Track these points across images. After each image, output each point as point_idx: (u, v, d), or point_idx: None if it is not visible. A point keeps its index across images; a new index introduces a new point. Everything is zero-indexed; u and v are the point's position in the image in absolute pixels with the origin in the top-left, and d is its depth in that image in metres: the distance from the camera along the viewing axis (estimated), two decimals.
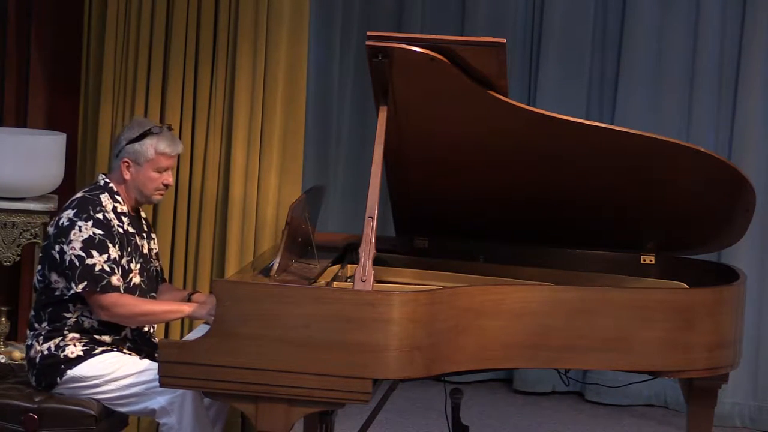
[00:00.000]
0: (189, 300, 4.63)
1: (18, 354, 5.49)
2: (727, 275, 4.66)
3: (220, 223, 5.42)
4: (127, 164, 4.50)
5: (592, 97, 6.77)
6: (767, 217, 6.39)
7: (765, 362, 6.43)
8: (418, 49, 4.16)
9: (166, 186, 4.56)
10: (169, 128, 4.62)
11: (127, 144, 4.50)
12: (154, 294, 4.62)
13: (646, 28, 6.57)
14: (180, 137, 5.42)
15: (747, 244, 6.02)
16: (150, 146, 4.49)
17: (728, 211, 4.67)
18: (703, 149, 4.51)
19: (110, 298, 4.35)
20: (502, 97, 4.31)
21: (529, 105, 4.78)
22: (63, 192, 5.61)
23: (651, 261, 4.90)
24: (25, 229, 5.48)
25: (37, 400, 4.39)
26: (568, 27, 6.69)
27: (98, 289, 4.33)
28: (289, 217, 4.26)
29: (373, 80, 4.26)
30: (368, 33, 4.19)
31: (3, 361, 5.42)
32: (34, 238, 5.47)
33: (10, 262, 5.53)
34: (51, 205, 5.50)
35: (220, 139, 5.41)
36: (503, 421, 6.28)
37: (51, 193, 5.59)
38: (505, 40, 4.16)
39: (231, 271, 5.29)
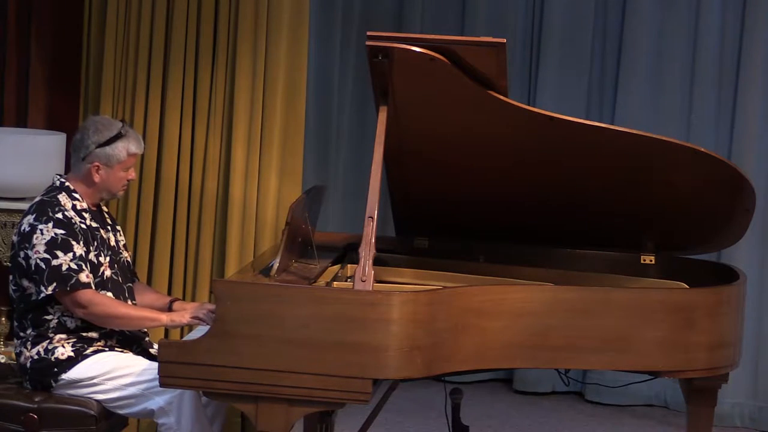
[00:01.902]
0: (170, 306, 4.63)
1: None
2: (727, 275, 4.66)
3: (220, 223, 5.42)
4: (97, 167, 4.48)
5: (592, 97, 6.76)
6: (767, 217, 6.39)
7: (765, 362, 6.43)
8: (418, 49, 4.16)
9: (130, 181, 4.57)
10: (130, 125, 4.59)
11: (97, 148, 4.47)
12: (130, 285, 4.62)
13: (646, 28, 6.57)
14: (180, 137, 5.44)
15: (747, 244, 6.02)
16: (122, 149, 4.47)
17: (728, 211, 4.67)
18: (703, 149, 4.51)
19: (85, 295, 4.35)
20: (502, 97, 4.31)
21: (529, 105, 4.77)
22: None
23: (651, 261, 4.89)
24: None
25: (37, 400, 4.39)
26: (568, 27, 6.69)
27: (68, 288, 4.33)
28: (289, 217, 4.26)
29: (373, 80, 4.26)
30: (368, 33, 4.20)
31: (3, 361, 5.42)
32: None
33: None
34: None
35: (220, 139, 5.41)
36: (503, 421, 6.28)
37: None
38: (505, 40, 4.16)
39: (231, 271, 5.29)
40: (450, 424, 4.71)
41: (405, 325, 3.97)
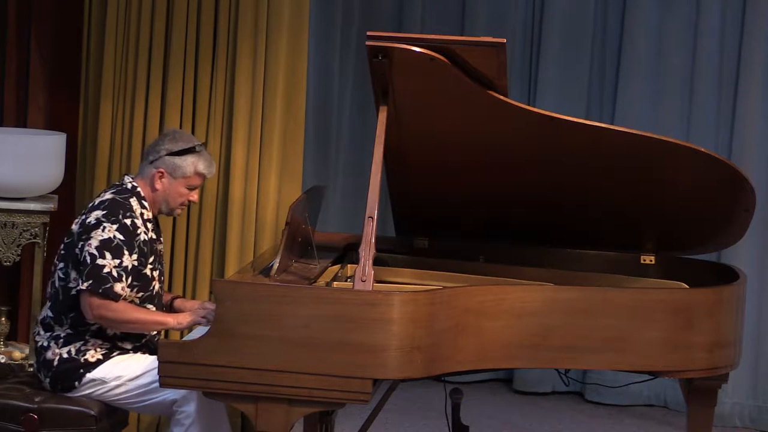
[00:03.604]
0: (171, 303, 4.65)
1: (18, 354, 5.49)
2: (727, 275, 4.66)
3: (220, 223, 5.42)
4: (161, 174, 4.50)
5: (592, 97, 6.76)
6: (767, 217, 6.39)
7: (765, 362, 6.43)
8: (418, 49, 4.16)
9: (191, 202, 4.58)
10: (204, 146, 4.63)
11: (167, 155, 4.50)
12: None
13: (646, 28, 6.57)
14: None
15: (747, 244, 6.01)
16: (191, 164, 4.50)
17: (728, 211, 4.67)
18: (703, 149, 4.51)
19: (104, 302, 4.33)
20: (502, 97, 4.31)
21: (529, 105, 4.78)
22: (63, 192, 5.61)
23: (651, 261, 4.89)
24: (25, 229, 5.47)
25: (37, 400, 4.39)
26: (568, 27, 6.69)
27: (100, 291, 4.32)
28: (289, 217, 4.26)
29: (373, 80, 4.26)
30: (368, 33, 4.20)
31: (3, 361, 5.42)
32: (34, 238, 5.47)
33: (10, 262, 5.52)
34: (51, 205, 5.50)
35: (220, 139, 5.41)
36: (503, 421, 6.28)
37: (51, 193, 5.59)
38: (505, 40, 4.16)
39: (231, 271, 5.29)
40: (450, 424, 4.70)
41: (405, 325, 3.97)
